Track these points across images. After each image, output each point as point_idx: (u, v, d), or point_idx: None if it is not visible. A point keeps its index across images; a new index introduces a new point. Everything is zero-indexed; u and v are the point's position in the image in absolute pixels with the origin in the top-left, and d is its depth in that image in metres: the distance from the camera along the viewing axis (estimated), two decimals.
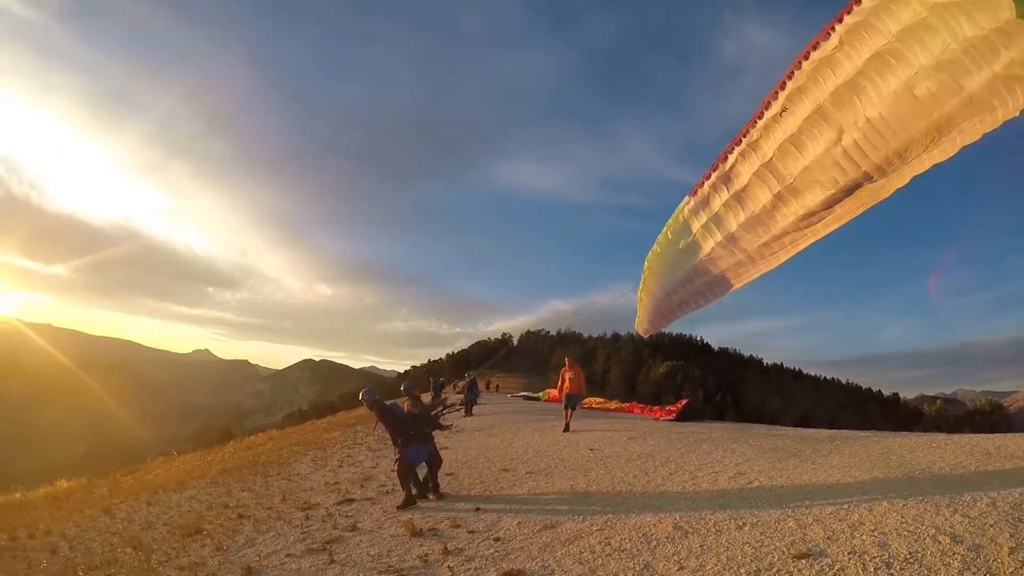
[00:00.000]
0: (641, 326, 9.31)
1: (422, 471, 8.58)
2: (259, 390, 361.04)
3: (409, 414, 8.79)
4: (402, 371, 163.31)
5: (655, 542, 5.29)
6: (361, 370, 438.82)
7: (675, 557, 4.84)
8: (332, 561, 6.08)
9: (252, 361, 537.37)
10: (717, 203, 6.73)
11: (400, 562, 5.82)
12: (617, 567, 4.84)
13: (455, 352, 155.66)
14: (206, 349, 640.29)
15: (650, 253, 7.93)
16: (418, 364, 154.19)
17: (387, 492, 9.18)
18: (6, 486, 17.32)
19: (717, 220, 6.79)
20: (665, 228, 7.51)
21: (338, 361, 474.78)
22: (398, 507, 8.06)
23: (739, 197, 6.58)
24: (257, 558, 6.53)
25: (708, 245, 6.97)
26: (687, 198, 7.11)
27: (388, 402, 9.14)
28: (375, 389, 8.93)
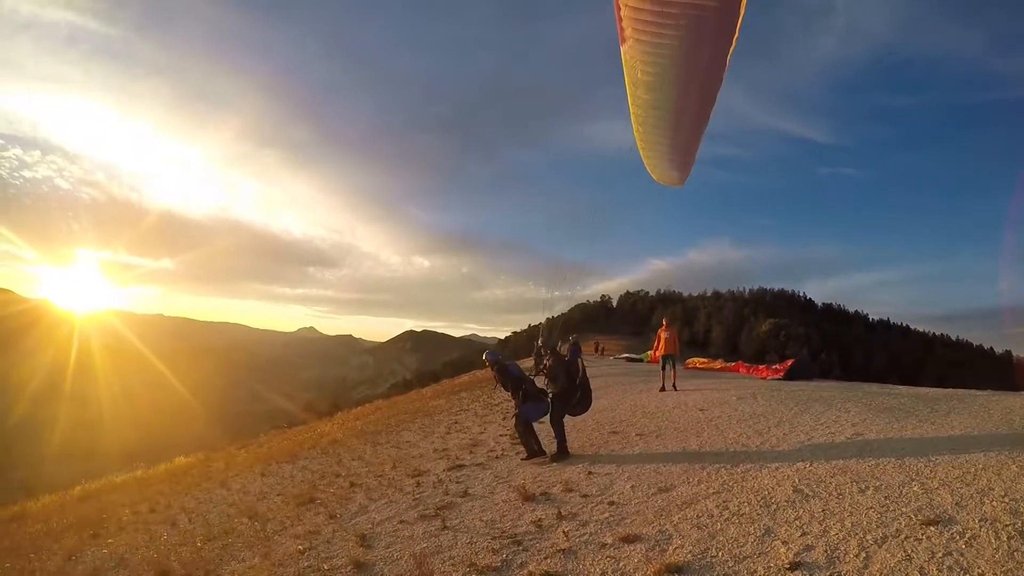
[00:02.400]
0: (671, 177, 8.55)
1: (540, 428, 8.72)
2: (364, 362, 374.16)
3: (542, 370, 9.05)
4: (502, 337, 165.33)
5: (775, 506, 5.17)
6: (462, 338, 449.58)
7: (797, 522, 4.72)
8: (445, 527, 6.13)
9: (356, 335, 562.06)
10: (645, 26, 6.01)
11: (514, 527, 5.81)
12: (737, 532, 4.74)
13: (554, 316, 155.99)
14: (311, 327, 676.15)
15: (636, 111, 7.34)
16: (518, 330, 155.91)
17: (496, 457, 9.33)
18: (128, 464, 18.53)
19: (661, 38, 6.05)
20: (627, 84, 6.95)
21: (439, 331, 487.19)
22: (523, 459, 8.54)
23: (655, 13, 5.83)
24: (370, 525, 6.67)
25: (673, 65, 6.29)
26: (621, 48, 6.49)
27: (508, 362, 9.39)
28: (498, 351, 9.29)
